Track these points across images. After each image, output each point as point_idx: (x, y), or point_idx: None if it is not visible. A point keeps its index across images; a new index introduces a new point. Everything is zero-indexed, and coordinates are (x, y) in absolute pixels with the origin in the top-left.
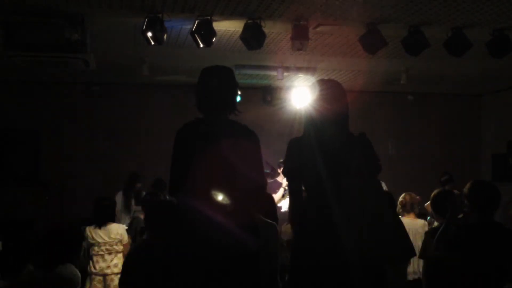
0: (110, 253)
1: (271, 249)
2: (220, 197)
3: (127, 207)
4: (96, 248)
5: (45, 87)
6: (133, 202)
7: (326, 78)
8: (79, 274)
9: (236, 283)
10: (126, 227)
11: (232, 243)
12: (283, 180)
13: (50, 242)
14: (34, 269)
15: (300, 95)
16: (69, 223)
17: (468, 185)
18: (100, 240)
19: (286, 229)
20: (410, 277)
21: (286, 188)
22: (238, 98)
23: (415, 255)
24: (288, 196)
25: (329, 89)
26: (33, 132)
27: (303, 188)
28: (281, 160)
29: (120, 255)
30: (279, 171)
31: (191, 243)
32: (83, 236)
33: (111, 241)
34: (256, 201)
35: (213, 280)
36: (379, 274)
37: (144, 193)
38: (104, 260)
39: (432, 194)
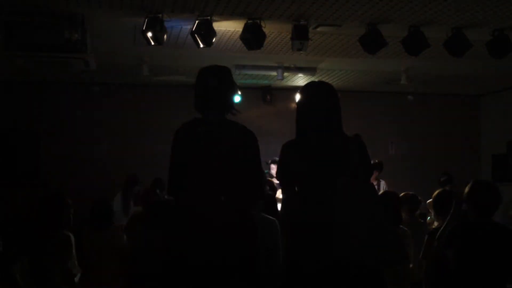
0: (107, 255)
1: (271, 246)
2: (218, 196)
3: (125, 209)
4: (92, 251)
5: (45, 87)
6: (132, 204)
7: (325, 78)
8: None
9: (235, 282)
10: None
11: (230, 243)
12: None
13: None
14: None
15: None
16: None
17: (468, 185)
18: (96, 243)
19: None
20: (410, 278)
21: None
22: (238, 98)
23: (407, 262)
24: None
25: (320, 91)
26: (33, 132)
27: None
28: (269, 161)
29: (117, 257)
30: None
31: (189, 243)
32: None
33: (108, 244)
34: (254, 200)
35: (212, 279)
36: (377, 276)
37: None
38: (101, 263)
39: (434, 194)
